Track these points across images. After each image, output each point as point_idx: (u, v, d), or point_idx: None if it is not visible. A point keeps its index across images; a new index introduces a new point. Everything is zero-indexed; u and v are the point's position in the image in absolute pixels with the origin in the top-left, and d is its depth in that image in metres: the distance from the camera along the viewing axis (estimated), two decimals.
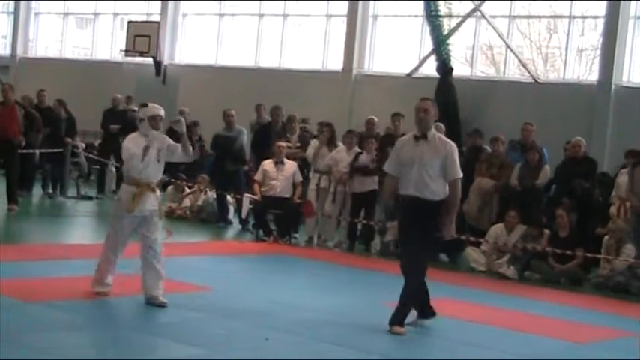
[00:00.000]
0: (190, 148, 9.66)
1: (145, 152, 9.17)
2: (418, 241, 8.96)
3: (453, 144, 9.12)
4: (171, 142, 9.53)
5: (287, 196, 15.34)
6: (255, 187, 15.43)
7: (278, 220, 15.65)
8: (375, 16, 22.70)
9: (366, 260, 14.54)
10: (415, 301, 9.11)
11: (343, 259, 14.27)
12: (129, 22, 25.88)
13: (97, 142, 21.73)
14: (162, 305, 9.03)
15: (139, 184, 9.25)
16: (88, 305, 9.04)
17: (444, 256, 14.54)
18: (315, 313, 8.76)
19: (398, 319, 8.91)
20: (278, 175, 15.34)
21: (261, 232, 15.47)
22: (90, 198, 19.40)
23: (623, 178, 14.21)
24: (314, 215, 15.44)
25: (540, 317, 10.65)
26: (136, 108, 19.09)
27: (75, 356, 7.15)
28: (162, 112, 9.45)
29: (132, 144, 9.27)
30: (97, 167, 20.69)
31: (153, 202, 9.38)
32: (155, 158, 9.31)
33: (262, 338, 8.11)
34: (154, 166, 9.33)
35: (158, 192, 9.52)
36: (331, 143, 15.68)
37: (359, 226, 15.46)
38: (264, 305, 9.69)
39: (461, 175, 9.10)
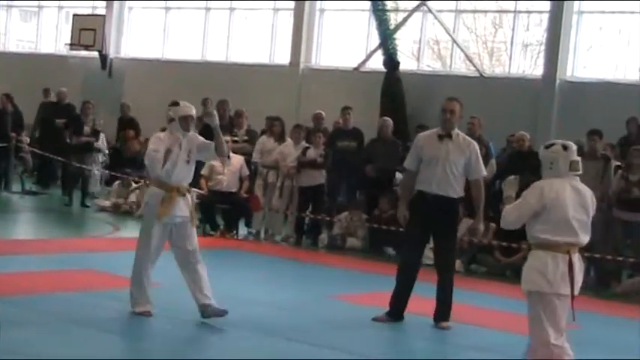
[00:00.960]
0: (225, 144, 8.94)
1: (169, 153, 8.43)
2: (446, 238, 9.29)
3: (475, 143, 9.42)
4: (202, 140, 8.76)
5: (234, 190, 15.31)
6: (202, 181, 15.36)
7: (225, 214, 15.61)
8: (322, 10, 22.71)
9: (314, 254, 14.56)
10: (451, 295, 9.33)
11: (290, 254, 14.28)
12: (74, 15, 25.64)
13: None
14: (222, 314, 8.38)
15: (167, 188, 8.49)
16: (34, 301, 8.95)
17: (390, 250, 14.60)
18: (263, 308, 8.77)
19: (444, 315, 9.24)
20: (225, 170, 15.29)
21: (208, 226, 15.42)
22: (34, 193, 19.21)
23: None
24: (261, 209, 15.43)
25: (486, 310, 10.75)
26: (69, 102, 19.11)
27: (21, 351, 7.09)
28: (193, 112, 8.73)
29: (157, 144, 8.54)
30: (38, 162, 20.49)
31: (183, 207, 8.59)
32: (185, 160, 8.55)
33: (210, 332, 8.09)
34: (183, 168, 8.55)
35: (189, 196, 8.80)
36: (281, 138, 15.68)
37: (306, 221, 15.49)
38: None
39: (485, 173, 9.57)
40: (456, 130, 9.30)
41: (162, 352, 7.55)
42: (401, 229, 9.90)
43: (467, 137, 9.44)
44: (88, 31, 24.59)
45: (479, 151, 9.37)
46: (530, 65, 20.76)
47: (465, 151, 9.19)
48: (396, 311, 9.27)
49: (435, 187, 9.11)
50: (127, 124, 20.60)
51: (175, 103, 8.72)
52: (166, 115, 8.74)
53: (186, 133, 8.64)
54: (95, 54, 25.05)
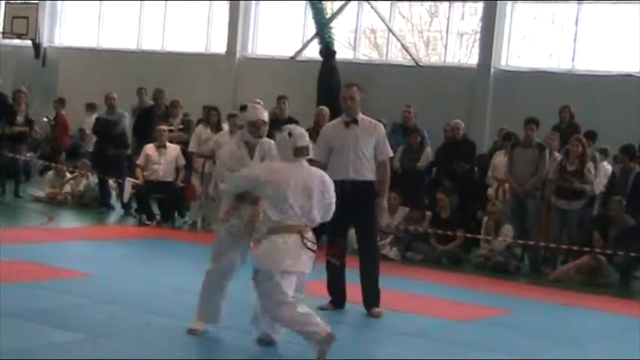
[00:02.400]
0: None
1: (238, 163, 7.82)
2: (369, 222, 9.34)
3: (381, 125, 9.50)
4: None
5: (170, 180, 15.22)
6: (138, 171, 15.26)
7: (161, 204, 15.51)
8: None
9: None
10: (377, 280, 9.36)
11: None
12: (6, 2, 25.25)
13: None
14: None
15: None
16: None
17: (324, 238, 14.61)
18: (195, 296, 8.68)
19: (375, 301, 9.25)
20: (160, 159, 15.21)
21: (144, 216, 15.33)
22: None
23: (499, 159, 14.55)
24: (197, 199, 15.36)
25: (422, 297, 10.82)
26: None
27: None
28: (265, 116, 8.10)
29: (227, 154, 8.05)
30: None
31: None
32: None
33: (144, 323, 8.04)
34: None
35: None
36: (217, 127, 15.60)
37: None
38: (147, 290, 9.61)
39: (392, 154, 9.73)
40: (361, 115, 9.39)
41: (93, 341, 7.47)
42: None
43: (372, 120, 9.53)
44: (21, 19, 24.25)
45: (384, 132, 9.47)
46: (465, 54, 20.89)
47: (372, 133, 9.31)
48: (338, 299, 9.34)
49: (353, 172, 9.17)
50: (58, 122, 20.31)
51: (244, 108, 8.26)
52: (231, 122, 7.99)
53: (258, 140, 8.00)
54: (28, 42, 24.71)
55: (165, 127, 15.57)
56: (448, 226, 13.79)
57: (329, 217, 7.55)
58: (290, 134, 7.44)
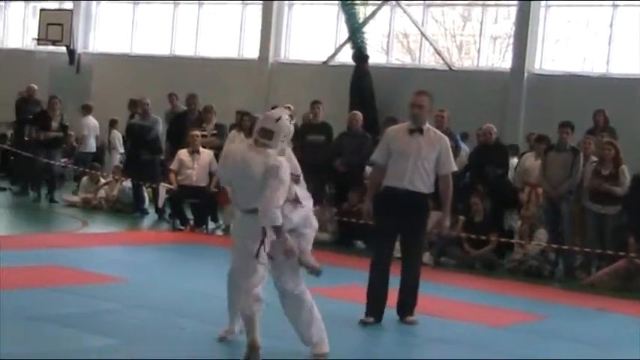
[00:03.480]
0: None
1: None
2: (415, 235, 9.12)
3: (447, 138, 9.20)
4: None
5: (203, 184, 15.25)
6: (172, 176, 15.31)
7: (194, 209, 15.55)
8: (291, 4, 22.68)
9: None
10: (417, 291, 9.19)
11: None
12: (41, 9, 25.45)
13: (9, 133, 21.39)
14: None
15: None
16: None
17: (360, 243, 14.61)
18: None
19: (410, 309, 9.11)
20: (194, 164, 15.25)
21: (177, 221, 15.37)
22: (3, 189, 19.08)
23: (530, 162, 14.48)
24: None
25: (456, 302, 10.75)
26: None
27: None
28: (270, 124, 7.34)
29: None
30: (12, 158, 20.31)
31: None
32: None
33: (177, 328, 8.06)
34: None
35: None
36: (251, 132, 15.60)
37: None
38: (180, 295, 9.63)
39: (455, 168, 9.36)
40: (427, 125, 9.10)
41: (126, 346, 7.49)
42: (370, 223, 9.70)
43: (438, 132, 9.23)
44: (56, 25, 24.43)
45: (449, 146, 9.14)
46: (498, 58, 20.82)
47: (435, 146, 8.98)
48: (375, 309, 8.97)
49: (407, 182, 8.89)
50: None
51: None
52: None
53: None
54: (63, 49, 24.90)
55: (199, 133, 15.62)
56: (481, 231, 13.72)
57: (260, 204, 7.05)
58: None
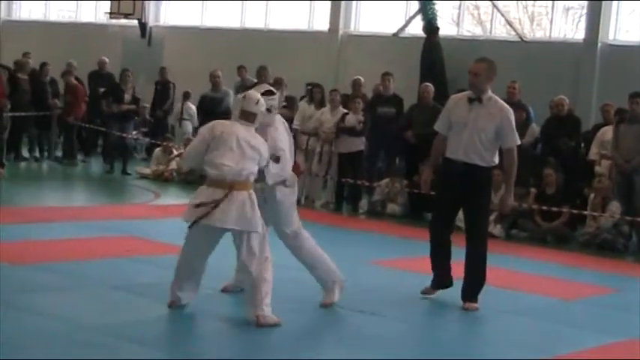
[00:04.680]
0: None
1: None
2: (475, 211, 8.69)
3: (510, 109, 8.67)
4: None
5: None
6: None
7: None
8: None
9: (354, 220, 14.58)
10: (483, 271, 8.72)
11: (331, 220, 14.28)
12: None
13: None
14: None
15: None
16: (73, 267, 9.04)
17: (430, 216, 14.57)
18: (302, 273, 8.76)
19: (471, 294, 8.64)
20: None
21: None
22: (76, 161, 19.36)
23: (608, 135, 14.25)
24: (301, 175, 15.42)
25: (528, 275, 10.72)
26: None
27: (60, 316, 7.18)
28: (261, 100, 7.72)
29: None
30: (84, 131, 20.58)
31: None
32: None
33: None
34: None
35: None
36: (321, 104, 15.69)
37: (346, 187, 15.49)
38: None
39: (519, 142, 8.71)
40: (489, 94, 8.59)
41: (197, 314, 7.61)
42: (431, 193, 9.43)
43: (501, 102, 8.69)
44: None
45: (512, 117, 8.61)
46: (571, 29, 20.53)
47: (495, 117, 8.48)
48: (437, 281, 8.86)
49: (462, 154, 8.48)
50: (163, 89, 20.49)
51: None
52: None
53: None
54: (135, 22, 25.09)
55: None
56: (554, 203, 13.60)
57: (273, 180, 7.60)
58: (245, 97, 7.48)
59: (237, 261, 7.54)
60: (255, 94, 7.56)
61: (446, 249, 8.83)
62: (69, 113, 18.78)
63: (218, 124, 7.49)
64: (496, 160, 8.62)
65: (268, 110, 7.70)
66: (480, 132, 8.45)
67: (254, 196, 7.37)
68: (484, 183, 8.65)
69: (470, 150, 8.47)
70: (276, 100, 7.96)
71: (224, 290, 8.40)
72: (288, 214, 8.16)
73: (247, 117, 7.41)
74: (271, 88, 8.10)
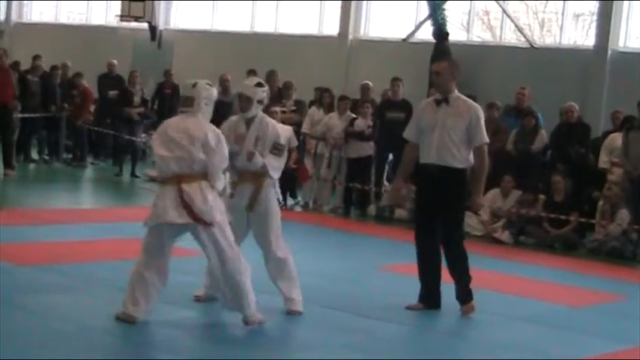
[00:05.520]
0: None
1: (239, 139, 8.23)
2: (451, 214, 8.44)
3: (478, 107, 8.52)
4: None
5: None
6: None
7: None
8: None
9: (362, 225, 14.57)
10: (467, 270, 8.53)
11: (339, 224, 14.30)
12: None
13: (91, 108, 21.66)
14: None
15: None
16: (81, 269, 9.06)
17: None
18: (310, 277, 8.76)
19: (463, 295, 8.52)
20: None
21: None
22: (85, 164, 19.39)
23: (617, 143, 14.22)
24: (309, 179, 15.44)
25: (535, 281, 10.71)
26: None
27: (66, 317, 7.20)
28: (252, 92, 8.11)
29: (226, 129, 8.29)
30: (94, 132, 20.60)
31: None
32: None
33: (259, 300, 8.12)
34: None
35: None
36: (330, 109, 15.71)
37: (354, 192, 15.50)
38: (259, 270, 9.68)
39: (487, 140, 8.51)
40: (456, 94, 8.44)
41: (204, 317, 7.60)
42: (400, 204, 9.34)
43: (469, 101, 8.50)
44: (138, 2, 24.64)
45: (481, 115, 8.42)
46: (581, 36, 20.51)
47: (464, 115, 8.30)
48: (425, 296, 8.57)
49: (435, 156, 8.28)
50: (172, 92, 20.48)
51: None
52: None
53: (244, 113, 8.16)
54: (145, 25, 25.13)
55: (278, 109, 15.64)
56: (562, 210, 13.58)
57: (219, 166, 7.27)
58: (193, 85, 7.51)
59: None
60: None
61: (432, 261, 8.56)
62: (78, 115, 18.82)
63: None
64: (471, 159, 8.42)
65: (259, 102, 7.93)
66: (449, 131, 8.28)
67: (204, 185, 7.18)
68: (458, 184, 8.42)
69: (442, 151, 8.29)
70: (265, 92, 8.10)
71: (197, 299, 8.13)
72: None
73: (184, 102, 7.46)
74: (261, 81, 8.26)
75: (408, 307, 8.52)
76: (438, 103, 8.44)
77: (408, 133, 8.66)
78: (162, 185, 7.23)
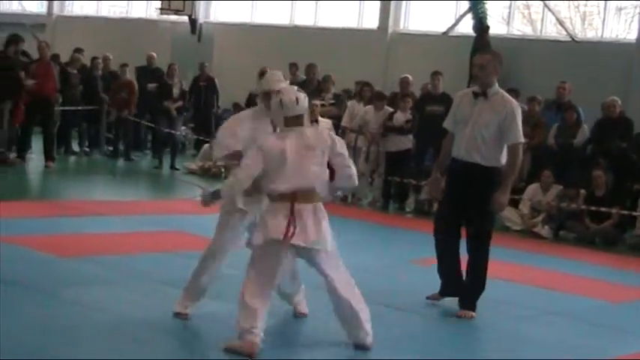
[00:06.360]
0: None
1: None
2: (476, 214, 8.13)
3: (516, 103, 8.19)
4: None
5: None
6: None
7: None
8: None
9: (400, 219, 14.55)
10: (483, 276, 8.26)
11: (377, 218, 14.28)
12: None
13: None
14: None
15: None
16: (121, 261, 9.12)
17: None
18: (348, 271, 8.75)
19: (468, 303, 8.20)
20: None
21: None
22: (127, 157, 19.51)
23: None
24: None
25: (575, 277, 10.64)
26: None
27: (108, 309, 7.25)
28: (279, 85, 6.98)
29: (249, 127, 7.21)
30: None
31: None
32: None
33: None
34: None
35: None
36: (370, 103, 15.70)
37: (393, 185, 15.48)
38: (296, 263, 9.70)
39: (522, 139, 8.15)
40: (495, 88, 8.10)
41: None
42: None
43: (506, 96, 8.15)
44: None
45: (518, 113, 8.05)
46: (624, 29, 20.32)
47: (500, 111, 7.97)
48: (443, 288, 8.41)
49: (464, 152, 8.03)
50: (207, 85, 20.55)
51: (261, 74, 7.46)
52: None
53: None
54: (185, 18, 25.21)
55: (318, 102, 15.67)
56: (603, 205, 13.48)
57: (348, 184, 6.76)
58: (281, 103, 6.54)
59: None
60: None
61: (451, 257, 8.37)
62: (123, 108, 18.87)
63: None
64: (503, 160, 8.06)
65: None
66: (481, 128, 7.98)
67: None
68: (486, 183, 8.04)
69: (470, 147, 8.02)
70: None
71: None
72: None
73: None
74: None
75: (429, 298, 8.46)
76: (476, 95, 8.15)
77: (447, 124, 8.40)
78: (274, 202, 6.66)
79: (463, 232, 8.35)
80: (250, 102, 17.74)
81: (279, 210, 6.48)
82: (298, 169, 6.49)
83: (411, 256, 10.71)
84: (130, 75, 19.73)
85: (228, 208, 7.18)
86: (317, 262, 6.74)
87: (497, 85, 8.19)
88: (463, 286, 8.32)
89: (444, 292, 8.45)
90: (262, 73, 17.44)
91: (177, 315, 7.21)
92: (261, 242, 6.54)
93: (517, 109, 8.11)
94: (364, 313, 6.76)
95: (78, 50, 19.71)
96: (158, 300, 7.67)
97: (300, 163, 6.50)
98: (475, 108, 8.08)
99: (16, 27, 23.17)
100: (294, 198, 6.48)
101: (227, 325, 6.89)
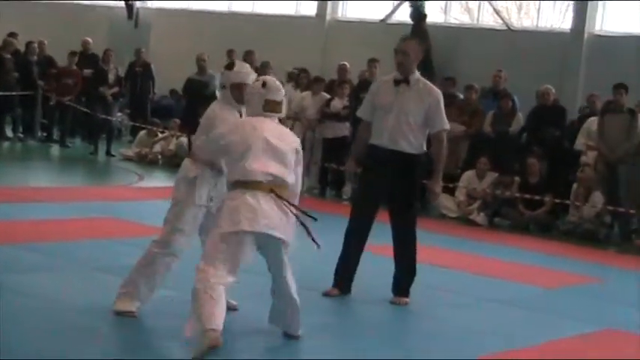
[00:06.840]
0: None
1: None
2: (402, 203, 8.06)
3: (439, 91, 8.10)
4: None
5: None
6: None
7: None
8: None
9: (338, 206, 14.56)
10: (414, 263, 8.17)
11: (314, 205, 14.21)
12: None
13: None
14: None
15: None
16: (58, 247, 9.03)
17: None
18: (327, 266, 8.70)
19: (403, 289, 8.16)
20: None
21: None
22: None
23: (595, 126, 14.28)
24: None
25: (510, 263, 10.76)
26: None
27: (44, 295, 7.18)
28: (251, 79, 6.82)
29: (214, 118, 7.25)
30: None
31: None
32: None
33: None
34: None
35: None
36: (307, 89, 15.70)
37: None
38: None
39: (448, 126, 8.12)
40: (417, 76, 7.99)
41: (181, 298, 7.57)
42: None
43: (429, 84, 8.06)
44: None
45: (442, 100, 7.99)
46: (558, 19, 20.55)
47: (424, 99, 7.89)
48: (343, 281, 8.23)
49: (387, 139, 7.89)
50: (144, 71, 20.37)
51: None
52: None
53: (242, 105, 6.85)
54: (121, 3, 24.97)
55: None
56: (537, 192, 13.64)
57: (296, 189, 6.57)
58: (264, 84, 6.40)
59: None
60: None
61: (360, 248, 8.30)
62: (66, 95, 18.62)
63: None
64: (424, 146, 8.06)
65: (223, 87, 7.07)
66: (407, 115, 7.87)
67: None
68: (412, 169, 7.99)
69: (396, 134, 7.89)
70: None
71: None
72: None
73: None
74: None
75: (324, 294, 8.17)
76: (397, 83, 8.01)
77: (362, 112, 8.30)
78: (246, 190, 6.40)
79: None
80: (188, 88, 17.60)
81: (248, 198, 6.21)
82: (273, 156, 6.31)
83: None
84: (64, 61, 19.45)
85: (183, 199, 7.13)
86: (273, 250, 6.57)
87: (417, 72, 8.09)
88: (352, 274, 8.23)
89: (339, 287, 8.25)
90: (199, 59, 17.49)
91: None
92: (226, 231, 6.26)
93: (440, 96, 8.03)
94: (298, 303, 6.71)
95: (12, 35, 19.42)
96: (94, 287, 7.60)
97: (276, 151, 6.32)
98: (397, 95, 7.96)
99: None
100: (269, 187, 6.25)
101: (169, 311, 6.88)
